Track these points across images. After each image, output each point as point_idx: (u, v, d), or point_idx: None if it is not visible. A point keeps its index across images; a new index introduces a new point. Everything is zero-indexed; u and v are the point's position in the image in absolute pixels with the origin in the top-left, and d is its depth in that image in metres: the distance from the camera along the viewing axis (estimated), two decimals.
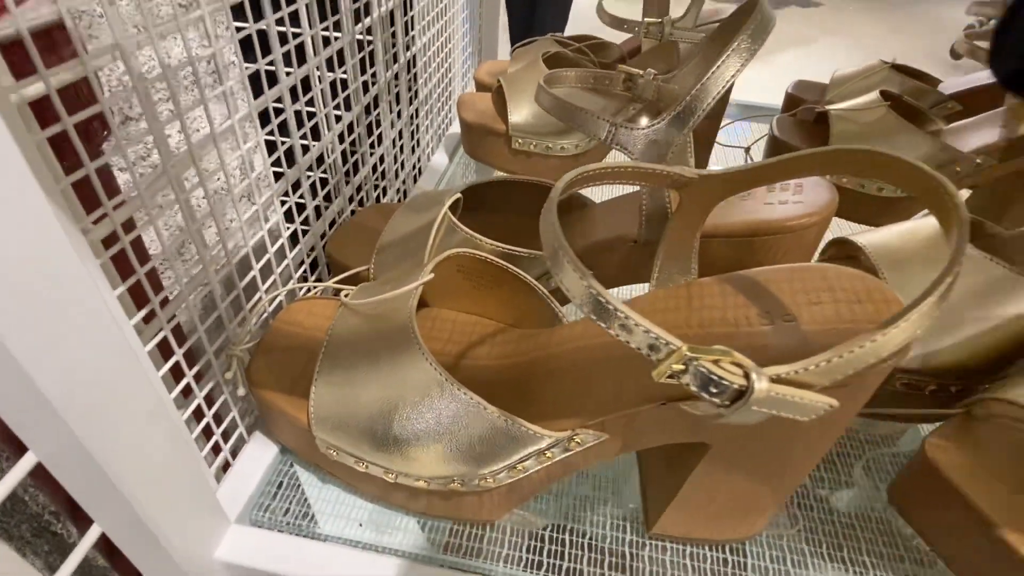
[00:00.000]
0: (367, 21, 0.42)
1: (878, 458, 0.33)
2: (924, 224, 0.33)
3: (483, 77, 0.59)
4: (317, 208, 0.40)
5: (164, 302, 0.27)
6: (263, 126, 0.32)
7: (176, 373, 0.28)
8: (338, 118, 0.40)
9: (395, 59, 0.50)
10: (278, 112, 0.34)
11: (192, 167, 0.26)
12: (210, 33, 0.24)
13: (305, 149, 0.36)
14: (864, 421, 0.34)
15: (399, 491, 0.27)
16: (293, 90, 0.34)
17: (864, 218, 0.47)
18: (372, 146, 0.48)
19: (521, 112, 0.47)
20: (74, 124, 0.20)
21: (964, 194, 0.51)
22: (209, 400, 0.30)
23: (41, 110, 0.20)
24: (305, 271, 0.37)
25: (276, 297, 0.31)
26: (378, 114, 0.48)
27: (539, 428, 0.23)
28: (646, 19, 0.46)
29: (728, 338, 0.22)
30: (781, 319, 0.22)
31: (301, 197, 0.36)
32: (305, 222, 0.38)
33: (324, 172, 0.40)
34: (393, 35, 0.48)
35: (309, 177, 0.37)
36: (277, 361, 0.29)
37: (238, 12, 0.30)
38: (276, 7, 0.31)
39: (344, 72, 0.41)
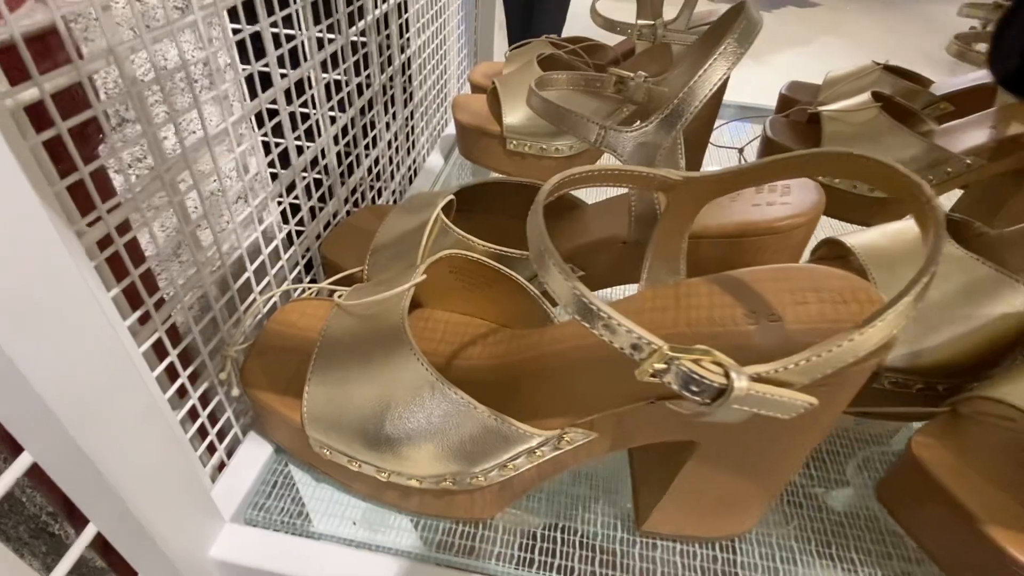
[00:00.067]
0: (361, 24, 0.42)
1: (871, 457, 0.33)
2: (912, 225, 0.34)
3: (478, 79, 0.59)
4: (313, 209, 0.40)
5: (160, 303, 0.27)
6: (260, 128, 0.32)
7: (171, 374, 0.28)
8: (333, 119, 0.41)
9: (390, 61, 0.50)
10: (274, 114, 0.34)
11: (189, 169, 0.26)
12: (203, 37, 0.24)
13: (300, 151, 0.37)
14: (857, 420, 0.35)
15: (392, 490, 0.27)
16: (289, 92, 0.35)
17: (856, 218, 0.48)
18: (368, 148, 0.48)
19: (516, 113, 0.48)
20: (70, 127, 0.21)
21: (956, 194, 0.51)
22: (204, 400, 0.30)
23: (38, 113, 0.21)
24: (300, 272, 0.38)
25: (271, 298, 0.31)
26: (374, 116, 0.49)
27: (529, 427, 0.24)
28: (639, 21, 0.47)
29: (714, 337, 0.22)
30: (767, 319, 0.22)
31: (296, 198, 0.36)
32: (300, 223, 0.38)
33: (319, 173, 0.40)
34: (388, 37, 0.49)
35: (304, 179, 0.37)
36: (271, 361, 0.29)
37: (235, 14, 0.31)
38: (271, 10, 0.31)
39: (338, 74, 0.41)
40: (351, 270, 0.34)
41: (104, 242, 0.24)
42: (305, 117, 0.38)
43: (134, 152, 0.52)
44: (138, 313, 0.25)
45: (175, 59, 0.51)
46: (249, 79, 0.32)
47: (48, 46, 0.28)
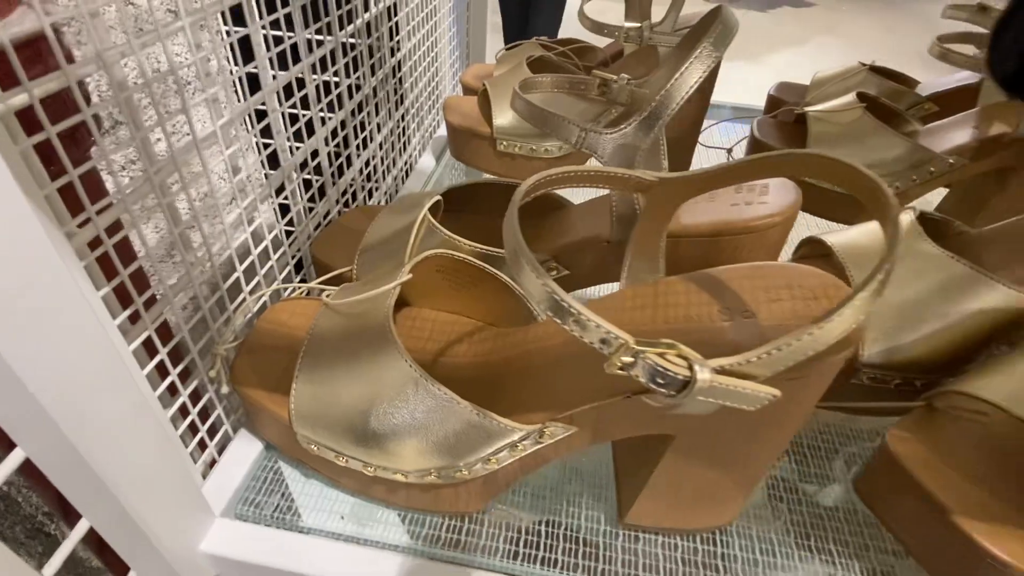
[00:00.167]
0: (350, 29, 0.43)
1: (858, 452, 0.34)
2: None
3: (470, 80, 0.60)
4: (304, 210, 0.41)
5: (152, 302, 0.27)
6: (256, 127, 0.33)
7: (163, 372, 0.29)
8: (323, 120, 0.41)
9: (382, 63, 0.51)
10: (266, 115, 0.34)
11: (179, 172, 0.27)
12: (191, 43, 0.25)
13: (291, 152, 0.37)
14: (846, 417, 0.35)
15: (379, 484, 0.28)
16: (283, 92, 0.35)
17: (842, 217, 0.48)
18: (359, 148, 0.49)
19: (505, 115, 0.48)
20: (62, 130, 0.21)
21: (941, 192, 0.52)
22: (196, 399, 0.31)
23: (30, 116, 0.21)
24: (290, 272, 0.38)
25: (261, 297, 0.32)
26: (365, 117, 0.49)
27: (511, 422, 0.24)
28: (626, 24, 0.47)
29: (691, 333, 0.23)
30: (741, 315, 0.23)
31: (286, 199, 0.37)
32: (290, 224, 0.39)
33: (309, 174, 0.41)
34: (379, 39, 0.49)
35: (294, 180, 0.38)
36: (260, 359, 0.30)
37: (230, 15, 0.31)
38: (263, 13, 0.32)
39: (328, 76, 0.41)
40: (340, 270, 0.34)
41: (97, 243, 0.24)
42: (295, 118, 0.39)
43: (128, 154, 0.53)
44: (127, 312, 0.25)
45: (168, 62, 0.52)
46: (245, 79, 0.32)
47: (39, 51, 0.29)
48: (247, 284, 0.33)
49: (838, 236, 0.35)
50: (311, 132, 0.40)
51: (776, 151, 0.20)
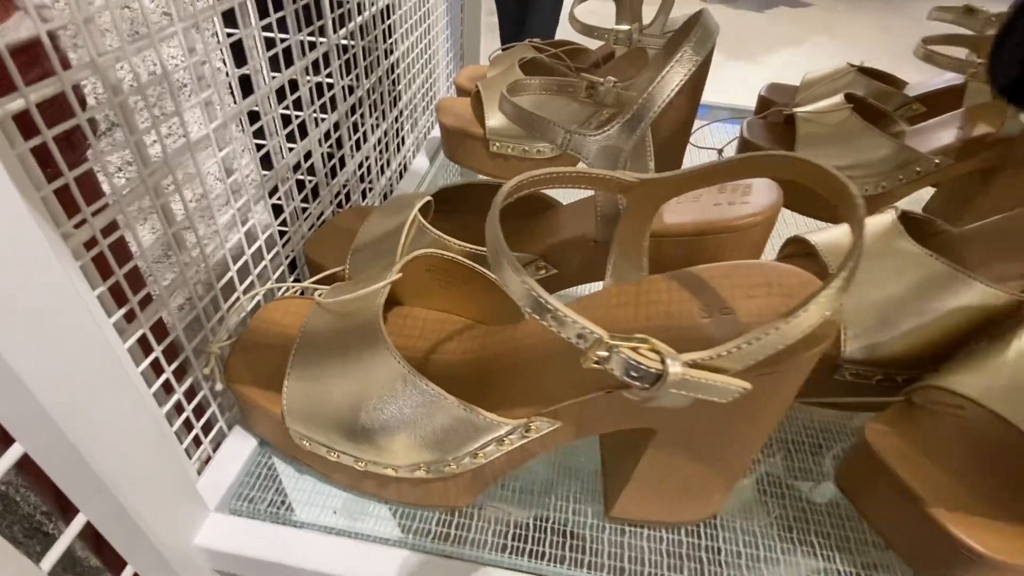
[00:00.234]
0: (344, 32, 0.44)
1: (846, 448, 0.35)
2: (871, 222, 0.35)
3: (463, 82, 0.60)
4: (298, 210, 0.42)
5: (147, 301, 0.28)
6: (252, 126, 0.33)
7: (159, 370, 0.29)
8: (317, 122, 0.42)
9: (376, 65, 0.51)
10: (259, 117, 0.35)
11: (177, 172, 0.28)
12: (184, 48, 0.25)
13: (284, 154, 0.38)
14: (840, 414, 0.36)
15: (370, 479, 0.28)
16: (276, 95, 0.36)
17: (828, 216, 0.49)
18: (354, 149, 0.50)
19: (498, 116, 0.49)
20: (59, 132, 0.22)
21: (928, 191, 0.53)
22: (191, 396, 0.31)
23: (27, 119, 0.22)
24: (284, 272, 0.39)
25: (254, 296, 0.33)
26: (360, 118, 0.50)
27: (497, 416, 0.25)
28: (615, 26, 0.48)
29: (671, 330, 0.24)
30: (720, 312, 0.23)
31: (279, 200, 0.38)
32: (284, 224, 0.39)
33: (302, 175, 0.41)
34: (374, 41, 0.50)
35: (288, 180, 0.38)
36: (254, 357, 0.31)
37: (225, 18, 0.32)
38: (261, 15, 0.32)
39: (323, 77, 0.42)
40: (333, 269, 0.35)
41: (93, 243, 0.25)
42: (288, 120, 0.39)
43: (125, 155, 0.53)
44: (123, 311, 0.26)
45: (165, 63, 0.52)
46: (241, 80, 0.33)
47: (36, 55, 0.29)
48: (241, 284, 0.34)
49: (822, 235, 0.36)
50: (305, 134, 0.40)
51: (748, 153, 0.21)
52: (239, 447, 0.32)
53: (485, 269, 0.31)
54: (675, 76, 0.25)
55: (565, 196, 0.41)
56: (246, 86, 0.34)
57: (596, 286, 0.41)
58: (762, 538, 0.29)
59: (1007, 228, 0.35)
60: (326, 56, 0.42)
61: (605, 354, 0.17)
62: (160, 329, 0.29)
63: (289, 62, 0.37)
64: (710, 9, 0.27)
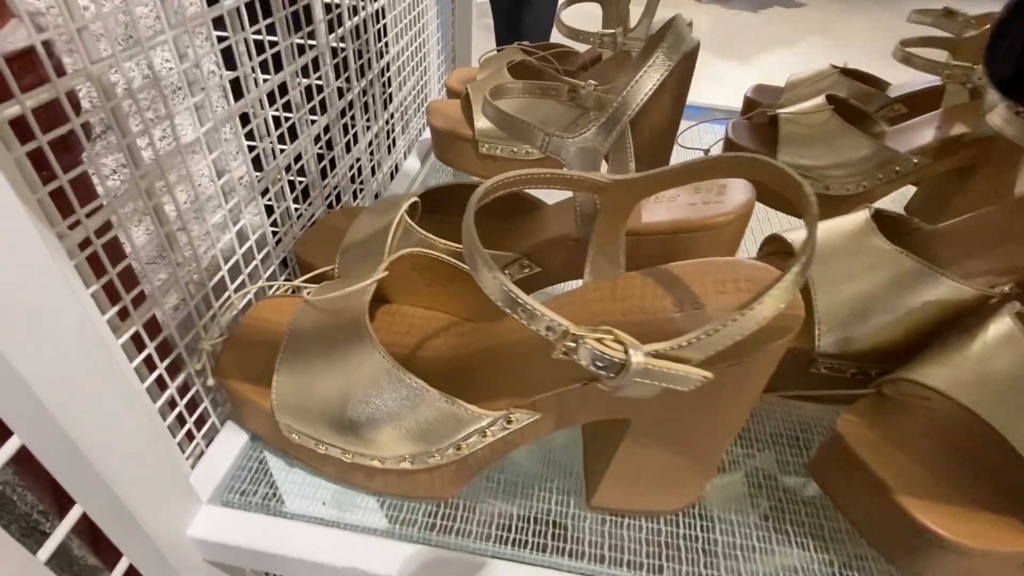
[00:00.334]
0: (336, 34, 0.45)
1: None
2: (845, 220, 0.36)
3: (454, 84, 0.61)
4: (290, 210, 0.42)
5: (141, 299, 0.29)
6: (245, 127, 0.34)
7: (152, 367, 0.30)
8: (310, 123, 0.43)
9: (368, 66, 0.52)
10: (255, 119, 0.36)
11: (170, 174, 0.28)
12: (175, 55, 0.26)
13: (275, 155, 0.39)
14: (830, 409, 0.37)
15: (357, 471, 0.29)
16: (267, 98, 0.37)
17: None
18: (345, 150, 0.50)
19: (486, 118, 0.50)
20: (55, 134, 0.23)
21: (910, 190, 0.54)
22: (185, 393, 0.32)
23: (23, 123, 0.23)
24: (275, 271, 0.40)
25: (246, 295, 0.33)
26: (352, 120, 0.51)
27: (478, 408, 0.26)
28: (601, 31, 0.49)
29: (644, 324, 0.25)
30: (691, 307, 0.24)
31: (270, 200, 0.39)
32: (274, 224, 0.40)
33: (293, 176, 0.42)
34: (365, 43, 0.51)
35: (278, 182, 0.39)
36: (245, 354, 0.31)
37: (218, 21, 0.33)
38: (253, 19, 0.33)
39: (313, 80, 0.43)
40: (323, 269, 0.36)
41: (88, 243, 0.26)
42: (280, 122, 0.40)
43: (120, 158, 0.54)
44: (116, 308, 0.27)
45: (159, 66, 0.53)
46: (233, 83, 0.34)
47: (32, 61, 0.30)
48: (233, 283, 0.35)
49: (799, 233, 0.37)
50: (295, 136, 0.41)
51: (714, 155, 0.22)
52: (231, 442, 0.33)
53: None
54: (648, 80, 0.26)
55: (550, 197, 0.42)
56: (238, 89, 0.35)
57: (579, 283, 0.42)
58: (739, 526, 0.30)
59: (977, 226, 0.36)
60: (316, 60, 0.43)
61: (572, 345, 0.18)
62: (154, 327, 0.30)
63: (284, 64, 0.38)
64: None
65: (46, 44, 0.23)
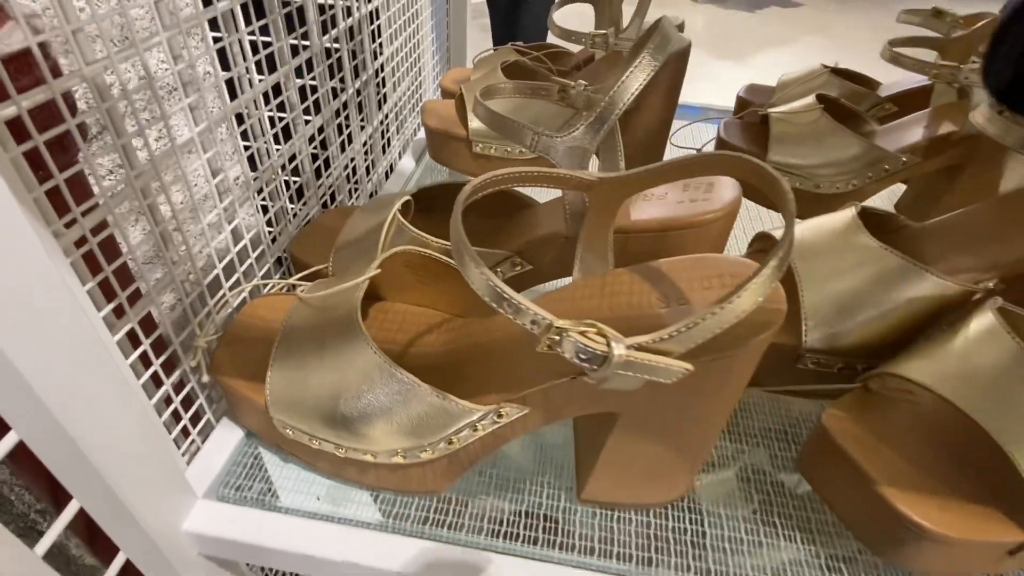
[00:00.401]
0: (330, 36, 0.45)
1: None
2: (832, 218, 0.36)
3: (448, 85, 0.62)
4: (285, 209, 0.43)
5: (137, 296, 0.29)
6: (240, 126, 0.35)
7: (148, 364, 0.31)
8: (305, 123, 0.43)
9: (363, 67, 0.53)
10: (248, 119, 0.36)
11: (166, 173, 0.29)
12: (170, 57, 0.26)
13: (269, 155, 0.39)
14: (819, 404, 0.37)
15: (351, 466, 0.30)
16: (262, 98, 0.37)
17: (800, 213, 0.50)
18: (340, 150, 0.51)
19: None
20: (51, 135, 0.23)
21: (900, 188, 0.54)
22: (180, 390, 0.33)
23: (19, 123, 0.23)
24: (270, 270, 0.40)
25: (240, 293, 0.34)
26: (347, 120, 0.51)
27: (468, 403, 0.26)
28: (592, 31, 0.49)
29: (631, 320, 0.25)
30: (676, 303, 0.25)
31: (265, 200, 0.39)
32: (270, 223, 0.40)
33: (288, 176, 0.43)
34: (359, 44, 0.51)
35: (272, 181, 0.40)
36: (239, 351, 0.32)
37: (214, 22, 0.33)
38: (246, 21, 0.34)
39: (307, 80, 0.43)
40: (317, 267, 0.36)
41: (84, 242, 0.26)
42: (275, 122, 0.40)
43: (116, 158, 0.54)
44: (112, 305, 0.27)
45: (155, 67, 0.54)
46: (229, 84, 0.34)
47: (28, 63, 0.31)
48: (228, 281, 0.35)
49: None
50: (290, 136, 0.42)
51: (695, 153, 0.22)
52: (226, 438, 0.34)
53: None
54: (634, 80, 0.26)
55: (542, 196, 0.42)
56: (233, 89, 0.36)
57: (570, 280, 0.42)
58: (727, 519, 0.31)
59: (962, 223, 0.36)
60: (310, 61, 0.43)
61: (556, 338, 0.18)
62: (150, 325, 0.30)
63: (275, 67, 0.38)
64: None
65: (42, 46, 0.23)
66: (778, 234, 0.37)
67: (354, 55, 0.51)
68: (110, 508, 0.26)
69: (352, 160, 0.54)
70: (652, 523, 0.31)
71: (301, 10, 0.41)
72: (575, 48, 0.62)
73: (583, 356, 0.18)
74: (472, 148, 0.51)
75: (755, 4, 2.97)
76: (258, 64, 0.37)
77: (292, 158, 0.43)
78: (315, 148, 0.46)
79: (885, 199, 0.55)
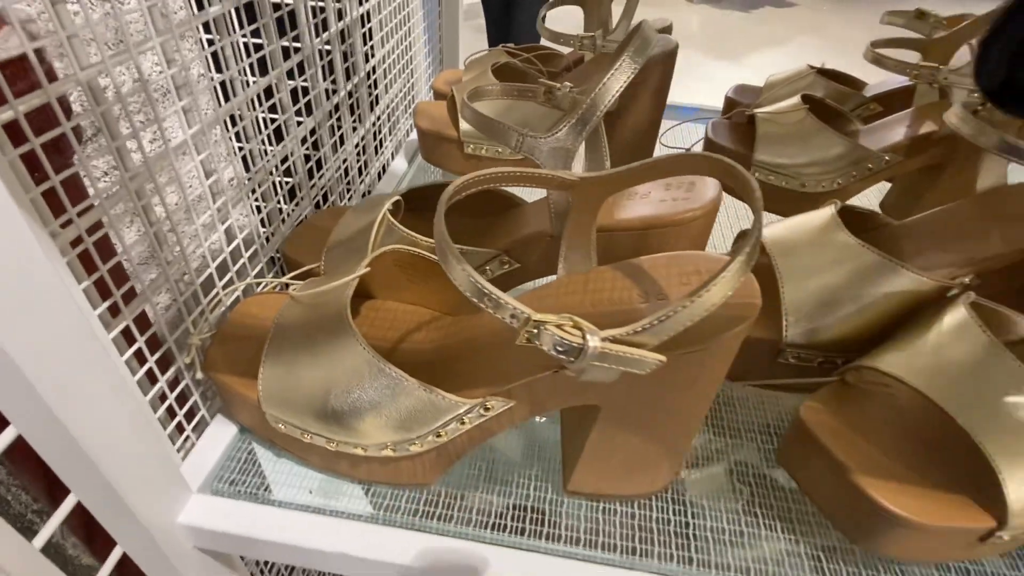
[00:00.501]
0: (318, 41, 0.46)
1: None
2: (812, 216, 0.37)
3: (441, 86, 0.62)
4: (278, 210, 0.44)
5: (132, 295, 0.30)
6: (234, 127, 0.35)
7: (143, 361, 0.31)
8: (297, 124, 0.44)
9: (355, 69, 0.53)
10: (241, 119, 0.37)
11: (160, 175, 0.30)
12: (163, 61, 0.27)
13: (263, 156, 0.40)
14: (803, 398, 0.38)
15: (342, 459, 0.30)
16: (256, 100, 0.38)
17: (786, 211, 0.51)
18: (333, 150, 0.52)
19: None
20: (47, 137, 0.24)
21: (884, 187, 0.55)
22: (175, 387, 0.33)
23: (16, 127, 0.24)
24: (262, 269, 0.41)
25: (234, 292, 0.35)
26: (339, 121, 0.52)
27: (456, 396, 0.27)
28: (581, 33, 0.50)
29: (613, 315, 0.26)
30: (656, 298, 0.26)
31: (258, 200, 0.40)
32: (263, 224, 0.41)
33: (279, 177, 0.43)
34: (352, 46, 0.52)
35: (266, 182, 0.40)
36: (233, 348, 0.33)
37: (207, 25, 0.34)
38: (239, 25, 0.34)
39: (299, 82, 0.44)
40: (309, 266, 0.37)
41: (79, 242, 0.27)
42: (266, 124, 0.41)
43: (110, 160, 0.55)
44: (107, 304, 0.28)
45: (149, 70, 0.54)
46: (223, 86, 0.35)
47: (24, 67, 0.31)
48: (222, 280, 0.36)
49: (768, 229, 0.38)
50: (281, 138, 0.42)
51: (672, 153, 0.23)
52: (221, 434, 0.34)
53: None
54: (615, 82, 0.27)
55: (531, 196, 0.43)
56: (227, 91, 0.37)
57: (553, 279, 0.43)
58: (709, 510, 0.32)
59: (939, 221, 0.37)
60: (302, 64, 0.44)
61: (535, 331, 0.19)
62: (144, 324, 0.31)
63: (273, 66, 0.39)
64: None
65: (37, 50, 0.24)
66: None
67: (346, 57, 0.52)
68: (107, 502, 0.27)
69: (345, 161, 0.55)
70: (637, 514, 0.31)
71: (293, 13, 0.41)
72: (565, 50, 0.63)
73: (560, 348, 0.19)
74: (464, 149, 0.52)
75: (750, 4, 2.98)
76: (251, 66, 0.38)
77: (285, 159, 0.44)
78: (308, 149, 0.47)
79: (872, 197, 0.56)
